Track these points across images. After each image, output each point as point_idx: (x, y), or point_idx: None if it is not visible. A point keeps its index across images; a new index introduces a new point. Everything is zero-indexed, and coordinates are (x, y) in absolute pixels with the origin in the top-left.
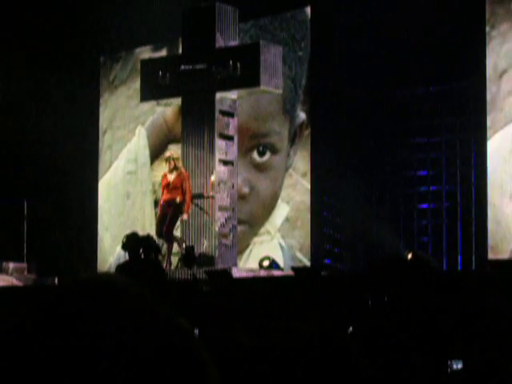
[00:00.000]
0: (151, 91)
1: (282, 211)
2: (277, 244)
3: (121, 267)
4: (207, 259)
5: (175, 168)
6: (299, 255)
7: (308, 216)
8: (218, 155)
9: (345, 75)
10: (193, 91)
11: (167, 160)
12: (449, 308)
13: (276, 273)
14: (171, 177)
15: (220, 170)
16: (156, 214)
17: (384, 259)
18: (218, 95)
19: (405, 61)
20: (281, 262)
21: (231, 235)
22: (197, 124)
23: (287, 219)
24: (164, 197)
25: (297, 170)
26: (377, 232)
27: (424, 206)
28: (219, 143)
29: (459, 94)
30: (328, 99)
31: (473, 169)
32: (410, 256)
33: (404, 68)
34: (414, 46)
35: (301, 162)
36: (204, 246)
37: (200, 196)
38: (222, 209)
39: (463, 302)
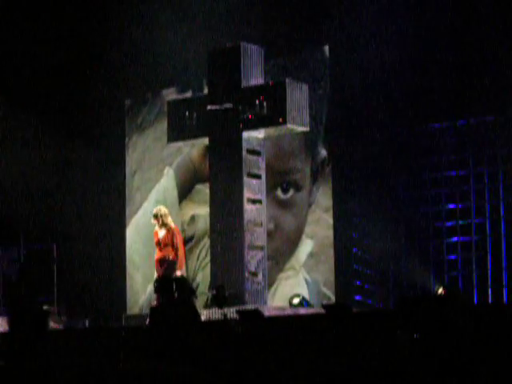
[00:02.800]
0: (178, 132)
1: (306, 247)
2: (302, 279)
3: (155, 310)
4: (238, 298)
5: (164, 224)
6: (324, 290)
7: (332, 251)
8: (247, 194)
9: (366, 111)
10: (220, 131)
11: (155, 217)
12: (479, 342)
13: (306, 311)
14: (161, 234)
15: (248, 209)
16: (185, 253)
17: (415, 295)
18: (245, 134)
19: (429, 95)
20: (306, 296)
21: (261, 274)
22: (224, 163)
23: (311, 254)
24: (156, 256)
25: (319, 206)
26: (406, 267)
27: (454, 239)
28: (247, 182)
29: (486, 128)
30: (350, 135)
31: (501, 201)
32: (440, 291)
33: (429, 102)
34: (439, 79)
35: (323, 197)
36: (209, 297)
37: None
38: (251, 247)
39: (495, 336)
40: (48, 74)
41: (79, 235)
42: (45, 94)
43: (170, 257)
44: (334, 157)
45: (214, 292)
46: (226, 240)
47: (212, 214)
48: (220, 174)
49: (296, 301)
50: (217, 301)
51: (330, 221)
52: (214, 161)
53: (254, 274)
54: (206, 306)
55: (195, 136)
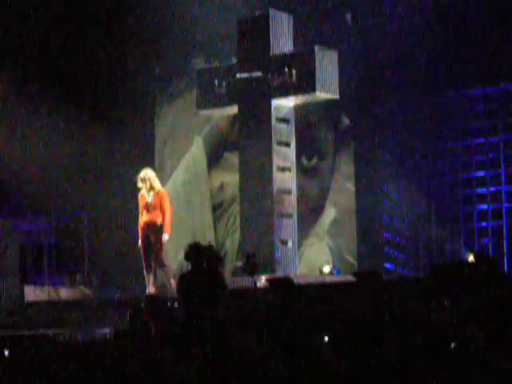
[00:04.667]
0: (207, 101)
1: (329, 214)
2: (325, 246)
3: (184, 277)
4: (268, 266)
5: (151, 188)
6: (348, 257)
7: (354, 218)
8: (276, 162)
9: (392, 78)
10: (249, 99)
11: (143, 181)
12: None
13: (337, 278)
14: (149, 197)
15: (277, 177)
16: (214, 220)
17: (446, 262)
18: (274, 102)
19: (460, 61)
20: (330, 264)
21: (291, 241)
22: (253, 132)
23: (335, 222)
24: (144, 218)
25: (342, 174)
26: (437, 234)
27: (484, 206)
28: (276, 150)
29: None
30: (376, 101)
31: None
32: (471, 258)
33: (458, 68)
34: (470, 46)
35: (345, 165)
36: (238, 266)
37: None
38: (280, 215)
39: None
40: (74, 49)
41: (107, 205)
42: (74, 69)
43: (159, 221)
44: (358, 124)
45: (245, 260)
46: (255, 208)
47: (241, 182)
48: (249, 142)
49: (327, 268)
50: (247, 269)
51: (352, 188)
52: (243, 129)
53: (284, 242)
54: (236, 274)
55: (224, 104)
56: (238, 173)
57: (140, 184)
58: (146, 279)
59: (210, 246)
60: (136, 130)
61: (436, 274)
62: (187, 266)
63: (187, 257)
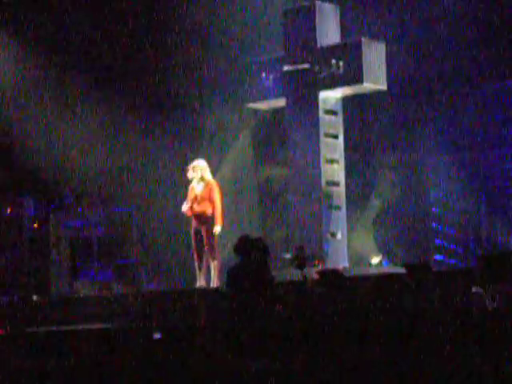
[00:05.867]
0: (255, 93)
1: (375, 205)
2: (372, 238)
3: (233, 270)
4: (317, 259)
5: (202, 179)
6: (395, 249)
7: (401, 209)
8: (324, 154)
9: (437, 68)
10: (296, 91)
11: (193, 170)
12: None
13: (387, 270)
14: (198, 188)
15: (326, 169)
16: (262, 213)
17: (496, 253)
18: (322, 94)
19: (506, 51)
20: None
21: (340, 233)
22: (301, 124)
23: (381, 213)
24: (193, 210)
25: (388, 164)
26: (487, 226)
27: None
28: (324, 142)
29: None
30: (421, 92)
31: None
32: None
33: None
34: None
35: (391, 156)
36: (287, 257)
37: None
38: (329, 207)
39: None
40: (124, 47)
41: (157, 197)
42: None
43: (209, 211)
44: (402, 115)
45: (293, 253)
46: (303, 201)
47: (289, 175)
48: (297, 135)
49: (376, 260)
50: (296, 262)
51: (398, 179)
52: (290, 121)
53: (333, 235)
54: (284, 267)
55: (272, 97)
56: (285, 166)
57: (190, 174)
58: (197, 272)
59: (259, 239)
60: (184, 123)
61: (486, 264)
62: (232, 259)
63: (236, 250)
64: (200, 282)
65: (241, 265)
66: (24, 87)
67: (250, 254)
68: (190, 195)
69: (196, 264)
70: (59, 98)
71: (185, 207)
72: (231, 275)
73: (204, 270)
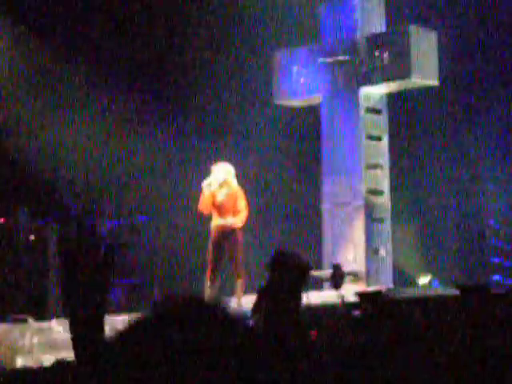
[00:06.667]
0: (286, 89)
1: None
2: (418, 254)
3: (263, 292)
4: (357, 278)
5: (226, 185)
6: (447, 267)
7: (452, 222)
8: (366, 158)
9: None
10: (334, 87)
11: (215, 174)
12: None
13: (438, 292)
14: (221, 196)
15: (368, 175)
16: (291, 222)
17: None
18: (364, 90)
19: None
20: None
21: (384, 249)
22: (339, 124)
23: (427, 226)
24: (216, 221)
25: (437, 173)
26: None
27: None
28: (366, 145)
29: None
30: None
31: None
32: None
33: None
34: None
35: (441, 163)
36: (323, 278)
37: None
38: (371, 219)
39: None
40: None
41: (173, 207)
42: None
43: (234, 224)
44: (455, 115)
45: (330, 271)
46: (341, 211)
47: (325, 182)
48: (334, 137)
49: (424, 280)
50: (333, 281)
51: (448, 188)
52: (327, 121)
53: (376, 251)
54: (317, 288)
55: (306, 94)
56: (320, 172)
57: (213, 180)
58: (206, 286)
59: (298, 256)
60: (207, 123)
61: None
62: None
63: (270, 266)
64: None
65: (272, 287)
66: (16, 80)
67: (286, 274)
68: (207, 202)
69: (207, 281)
70: (56, 93)
71: (206, 187)
72: (261, 299)
73: (215, 287)
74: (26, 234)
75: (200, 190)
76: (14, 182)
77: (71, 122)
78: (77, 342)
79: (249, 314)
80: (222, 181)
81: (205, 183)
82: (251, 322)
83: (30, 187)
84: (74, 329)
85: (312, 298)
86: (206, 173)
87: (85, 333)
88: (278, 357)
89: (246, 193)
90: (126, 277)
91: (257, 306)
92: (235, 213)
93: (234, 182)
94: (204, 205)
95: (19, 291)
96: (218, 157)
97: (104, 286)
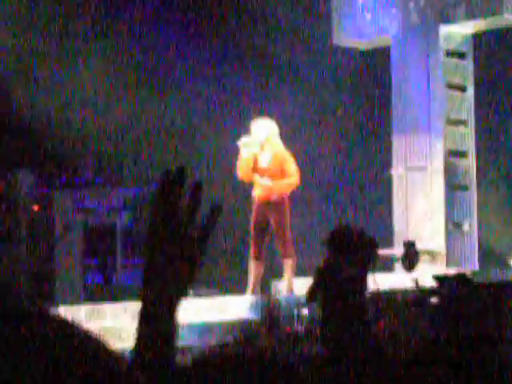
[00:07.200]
0: (349, 27)
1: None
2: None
3: (321, 273)
4: (435, 258)
5: (271, 146)
6: None
7: None
8: (446, 113)
9: None
10: (407, 25)
11: (255, 134)
12: None
13: None
14: (264, 159)
15: (449, 133)
16: (350, 192)
17: None
18: (444, 29)
19: None
20: None
21: (467, 223)
22: (414, 71)
23: None
24: (259, 191)
25: None
26: None
27: None
28: (448, 96)
29: None
30: None
31: None
32: None
33: None
34: None
35: None
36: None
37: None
38: (452, 187)
39: None
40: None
41: (205, 172)
42: None
43: (285, 190)
44: None
45: (403, 250)
46: (415, 177)
47: (395, 141)
48: (407, 86)
49: None
50: (406, 261)
51: None
52: (398, 67)
53: (458, 225)
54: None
55: (371, 33)
56: (389, 128)
57: (252, 140)
58: (251, 274)
59: (362, 232)
60: (248, 69)
61: None
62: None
63: (329, 244)
64: (250, 292)
65: (336, 266)
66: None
67: (350, 252)
68: (248, 167)
69: (252, 260)
70: (63, 43)
71: (245, 148)
72: (322, 283)
73: (261, 265)
74: (29, 203)
75: (237, 152)
76: (16, 141)
77: (81, 74)
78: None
79: (302, 301)
80: (263, 140)
81: (241, 142)
82: (306, 311)
83: (33, 147)
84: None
85: (380, 281)
86: (244, 132)
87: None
88: None
89: (298, 158)
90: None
91: (312, 292)
92: (283, 179)
93: (279, 143)
94: (244, 170)
95: (19, 274)
96: (260, 113)
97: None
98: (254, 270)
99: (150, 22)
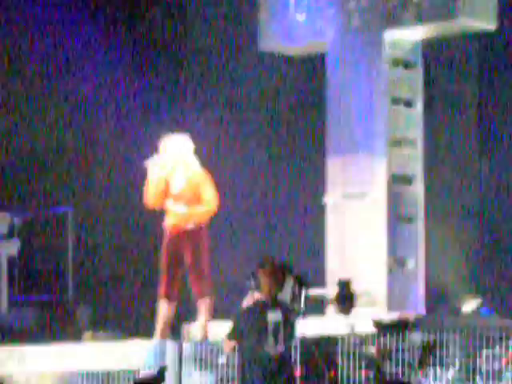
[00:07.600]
0: (279, 30)
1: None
2: (466, 269)
3: (246, 313)
4: (374, 300)
5: (185, 168)
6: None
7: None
8: (390, 132)
9: None
10: (346, 29)
11: (167, 153)
12: None
13: (489, 321)
14: (177, 182)
15: (393, 156)
16: (279, 220)
17: None
18: (389, 35)
19: None
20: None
21: (413, 260)
22: (353, 82)
23: (465, 230)
24: (171, 219)
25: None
26: None
27: None
28: (392, 111)
29: None
30: None
31: None
32: None
33: None
34: None
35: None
36: (328, 299)
37: None
38: (396, 218)
39: None
40: None
41: (104, 195)
42: None
43: (201, 219)
44: None
45: (337, 290)
46: (353, 206)
47: (330, 164)
48: (345, 100)
49: (470, 306)
50: (341, 304)
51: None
52: (335, 77)
53: (401, 262)
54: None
55: (304, 37)
56: (322, 149)
57: (163, 159)
58: (160, 316)
59: (288, 266)
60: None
61: None
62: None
63: (257, 277)
64: (158, 336)
65: (259, 306)
66: None
67: (275, 288)
68: (159, 188)
69: (161, 299)
70: None
71: (153, 169)
72: (242, 322)
73: (173, 307)
74: None
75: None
76: None
77: None
78: None
79: (219, 345)
80: (177, 161)
81: (150, 162)
82: (223, 359)
83: None
84: None
85: (309, 326)
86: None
87: None
88: None
89: (216, 180)
90: (37, 292)
91: (233, 333)
92: (199, 206)
93: (195, 163)
94: (154, 195)
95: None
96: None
97: None
98: (163, 311)
99: None
